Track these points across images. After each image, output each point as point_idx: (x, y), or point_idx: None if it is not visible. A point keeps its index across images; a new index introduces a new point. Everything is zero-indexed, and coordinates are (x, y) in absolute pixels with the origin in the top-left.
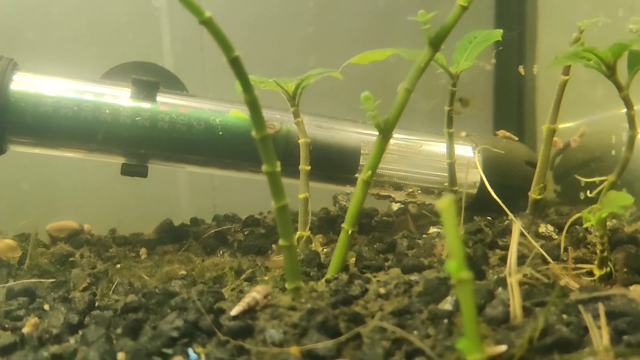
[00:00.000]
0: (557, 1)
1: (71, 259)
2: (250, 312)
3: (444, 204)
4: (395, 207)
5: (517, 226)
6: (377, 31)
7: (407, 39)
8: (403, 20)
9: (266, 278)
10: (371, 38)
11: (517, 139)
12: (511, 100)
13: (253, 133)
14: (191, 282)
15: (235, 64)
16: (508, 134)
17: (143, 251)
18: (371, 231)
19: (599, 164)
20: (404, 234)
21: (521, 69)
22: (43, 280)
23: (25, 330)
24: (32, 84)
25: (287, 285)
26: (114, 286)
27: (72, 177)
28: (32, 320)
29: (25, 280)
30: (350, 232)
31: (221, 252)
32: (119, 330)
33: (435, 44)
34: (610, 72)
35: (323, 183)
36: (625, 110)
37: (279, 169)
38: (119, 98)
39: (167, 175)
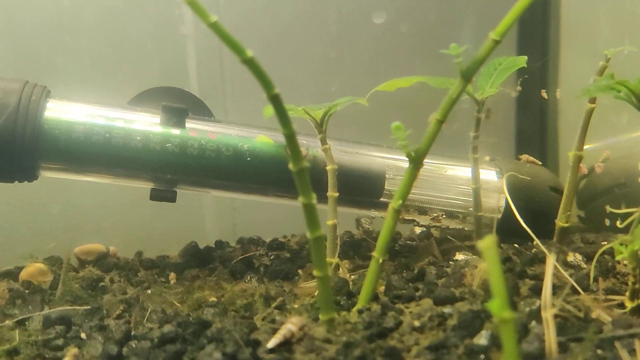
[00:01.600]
0: (579, 26)
1: (101, 283)
2: (286, 344)
3: (486, 244)
4: (418, 230)
5: (551, 260)
6: (399, 56)
7: (428, 63)
8: (424, 45)
9: (296, 306)
10: (393, 63)
11: (540, 163)
12: (534, 124)
13: (290, 165)
14: (222, 309)
15: (276, 100)
16: (531, 158)
17: (172, 276)
18: (396, 256)
19: (624, 190)
20: (430, 260)
21: (544, 93)
22: (78, 307)
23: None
24: (64, 111)
25: (321, 317)
26: (147, 314)
27: (97, 199)
28: (72, 350)
29: (61, 308)
30: (380, 261)
31: (249, 277)
32: None
33: (468, 76)
34: None
35: (348, 207)
36: None
37: (315, 200)
38: (149, 125)
39: (189, 196)
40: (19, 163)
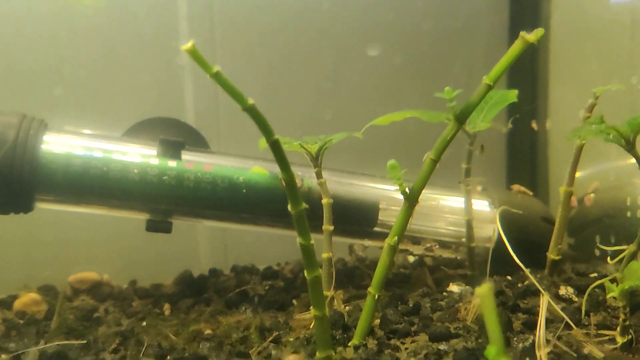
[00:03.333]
0: (567, 59)
1: (96, 314)
2: None
3: (483, 290)
4: (412, 258)
5: (545, 299)
6: (392, 87)
7: (422, 95)
8: (418, 77)
9: (291, 339)
10: (387, 94)
11: (531, 193)
12: (524, 155)
13: (289, 207)
14: (218, 343)
15: (275, 146)
16: (522, 188)
17: (167, 307)
18: (390, 286)
19: (613, 221)
20: (424, 291)
21: (534, 124)
22: (74, 341)
23: None
24: (61, 144)
25: (318, 354)
26: (144, 348)
27: (90, 227)
28: None
29: (57, 343)
30: (376, 297)
31: (243, 308)
32: None
33: (461, 119)
34: (629, 146)
35: (342, 237)
36: None
37: (312, 242)
38: (146, 157)
39: (184, 223)
40: (16, 196)
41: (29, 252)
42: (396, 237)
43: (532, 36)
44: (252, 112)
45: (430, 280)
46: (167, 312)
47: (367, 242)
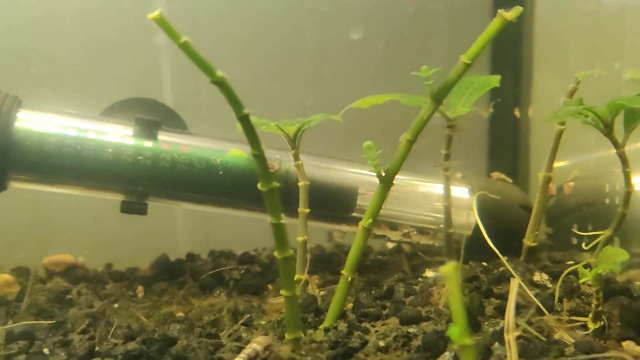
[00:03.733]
0: (551, 46)
1: (68, 296)
2: None
3: (448, 270)
4: (390, 245)
5: (515, 282)
6: (375, 71)
7: (404, 79)
8: (400, 61)
9: (263, 322)
10: (369, 78)
11: (511, 181)
12: (506, 142)
13: (259, 185)
14: (189, 325)
15: (245, 121)
16: (502, 176)
17: (140, 289)
18: (367, 272)
19: (592, 209)
20: (400, 276)
21: (517, 112)
22: (42, 322)
23: None
24: (36, 122)
25: (287, 336)
26: (112, 329)
27: (68, 209)
28: None
29: (25, 322)
30: (349, 279)
31: (218, 291)
32: None
33: (438, 98)
34: (607, 129)
35: (320, 222)
36: (622, 167)
37: (284, 221)
38: (122, 137)
39: (162, 205)
40: None
41: (4, 233)
42: (370, 219)
43: (510, 14)
44: (222, 85)
45: (406, 267)
46: (140, 295)
47: (346, 228)
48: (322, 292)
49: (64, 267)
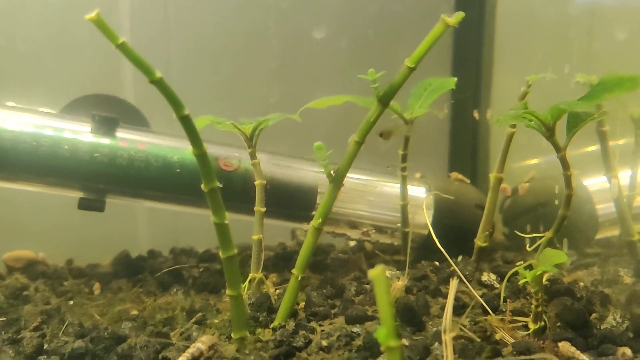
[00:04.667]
0: (512, 49)
1: (25, 292)
2: None
3: (375, 272)
4: (352, 243)
5: (454, 282)
6: (338, 70)
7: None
8: (364, 62)
9: (216, 321)
10: (332, 77)
11: (468, 181)
12: (466, 143)
13: (202, 186)
14: (142, 323)
15: (185, 121)
16: (460, 176)
17: (97, 286)
18: (325, 270)
19: (546, 209)
20: (355, 275)
21: (476, 114)
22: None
23: None
24: None
25: (233, 335)
26: (64, 327)
27: (30, 204)
28: None
29: None
30: (299, 278)
31: (175, 289)
32: None
33: (384, 101)
34: (549, 133)
35: (281, 220)
36: (563, 171)
37: (227, 221)
38: (79, 133)
39: (126, 205)
40: None
41: None
42: (320, 219)
43: (452, 19)
44: (160, 85)
45: (364, 265)
46: (96, 292)
47: (307, 226)
48: (278, 291)
49: (25, 262)
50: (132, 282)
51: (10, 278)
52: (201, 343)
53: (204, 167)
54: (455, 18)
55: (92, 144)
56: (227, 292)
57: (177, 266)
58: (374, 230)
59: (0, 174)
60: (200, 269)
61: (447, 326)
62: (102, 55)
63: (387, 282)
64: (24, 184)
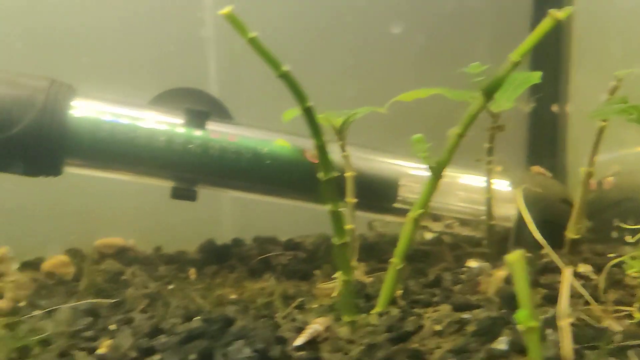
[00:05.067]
0: (590, 44)
1: (123, 277)
2: (312, 343)
3: (513, 257)
4: (429, 236)
5: (568, 271)
6: (415, 67)
7: (444, 77)
8: (440, 58)
9: (315, 306)
10: (408, 73)
11: (550, 175)
12: (544, 137)
13: (319, 174)
14: (243, 307)
15: (309, 113)
16: (542, 170)
17: (192, 272)
18: (411, 261)
19: (632, 204)
20: (445, 266)
21: (555, 108)
22: (104, 300)
23: (101, 351)
24: (89, 110)
25: (343, 318)
26: (171, 309)
27: (116, 193)
28: (106, 341)
29: (89, 300)
30: (399, 267)
31: (266, 276)
32: (192, 357)
33: (489, 93)
34: None
35: (362, 211)
36: None
37: (341, 208)
38: (172, 125)
39: (208, 194)
40: (45, 159)
41: (56, 216)
42: (420, 210)
43: (561, 13)
44: (287, 78)
45: (449, 257)
46: (192, 277)
47: (388, 218)
48: (369, 279)
49: (115, 249)
50: (224, 268)
51: (104, 263)
52: (318, 324)
53: (323, 157)
54: (564, 12)
55: (186, 136)
56: (339, 276)
57: (271, 254)
58: (457, 223)
59: (98, 164)
60: (289, 257)
61: (564, 312)
62: (188, 49)
63: (524, 267)
64: (119, 173)
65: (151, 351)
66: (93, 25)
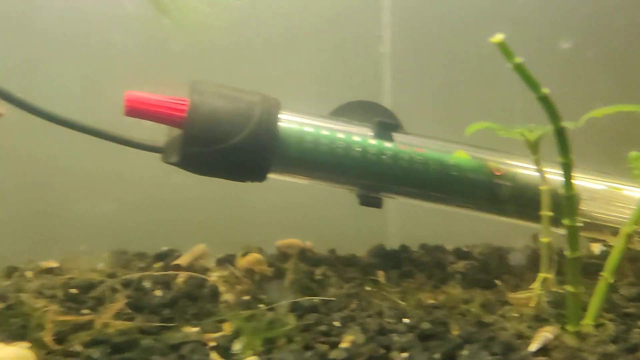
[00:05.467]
0: None
1: (317, 277)
2: (544, 350)
3: None
4: (596, 248)
5: None
6: (583, 82)
7: (613, 93)
8: (609, 73)
9: (515, 315)
10: (577, 88)
11: None
12: None
13: (563, 190)
14: (448, 312)
15: (561, 133)
16: None
17: (381, 274)
18: (586, 274)
19: None
20: (630, 280)
21: None
22: (315, 298)
23: (344, 345)
24: (293, 122)
25: (569, 328)
26: (383, 309)
27: (291, 195)
28: (348, 337)
29: (311, 297)
30: (610, 281)
31: (452, 283)
32: (436, 356)
33: None
34: None
35: (529, 221)
36: None
37: (580, 224)
38: (364, 137)
39: None
40: (255, 167)
41: (238, 216)
42: (635, 226)
43: None
44: (545, 100)
45: (629, 271)
46: (381, 280)
47: (561, 230)
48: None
49: (296, 250)
50: (404, 273)
51: (289, 263)
52: (548, 332)
53: (568, 175)
54: None
55: (378, 147)
56: (568, 288)
57: (456, 263)
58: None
59: (300, 172)
60: (467, 266)
61: None
62: (365, 64)
63: None
64: (316, 180)
65: (395, 348)
66: (287, 45)
